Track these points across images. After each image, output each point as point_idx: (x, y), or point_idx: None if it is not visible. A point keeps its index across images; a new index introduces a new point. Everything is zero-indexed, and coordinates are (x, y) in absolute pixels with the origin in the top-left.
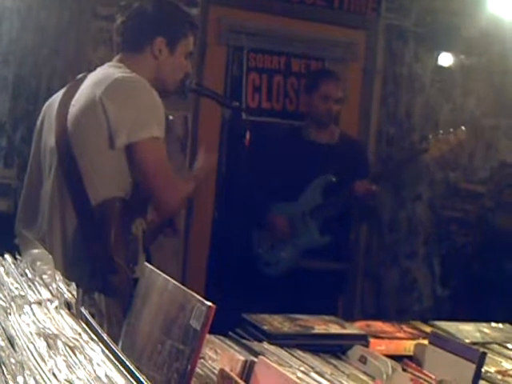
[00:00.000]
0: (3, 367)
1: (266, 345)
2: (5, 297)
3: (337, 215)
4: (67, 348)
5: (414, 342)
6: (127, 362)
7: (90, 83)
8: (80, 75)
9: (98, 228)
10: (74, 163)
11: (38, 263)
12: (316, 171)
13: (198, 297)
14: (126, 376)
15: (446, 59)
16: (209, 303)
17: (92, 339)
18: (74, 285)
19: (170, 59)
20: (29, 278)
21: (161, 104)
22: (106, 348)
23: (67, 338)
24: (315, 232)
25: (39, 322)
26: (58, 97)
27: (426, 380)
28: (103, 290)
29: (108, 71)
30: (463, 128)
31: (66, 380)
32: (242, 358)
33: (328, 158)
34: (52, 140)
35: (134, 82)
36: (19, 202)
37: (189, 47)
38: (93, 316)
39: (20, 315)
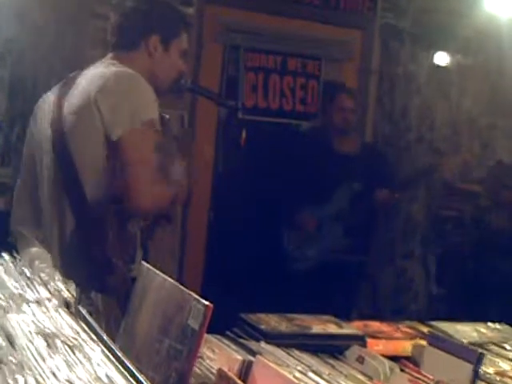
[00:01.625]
0: (3, 366)
1: (263, 344)
2: (3, 295)
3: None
4: (66, 347)
5: (412, 343)
6: (126, 362)
7: (84, 82)
8: (73, 73)
9: (94, 227)
10: (70, 162)
11: (37, 262)
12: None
13: (196, 296)
14: (125, 375)
15: (442, 58)
16: (207, 302)
17: (91, 338)
18: (72, 283)
19: (165, 57)
20: (27, 277)
21: (155, 98)
22: (105, 347)
23: (66, 337)
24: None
25: (38, 321)
26: (50, 96)
27: (423, 380)
28: (100, 290)
29: (101, 69)
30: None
31: (65, 379)
32: (239, 357)
33: (350, 166)
34: (47, 139)
35: (127, 77)
36: (13, 201)
37: (183, 45)
38: (90, 315)
39: (19, 314)
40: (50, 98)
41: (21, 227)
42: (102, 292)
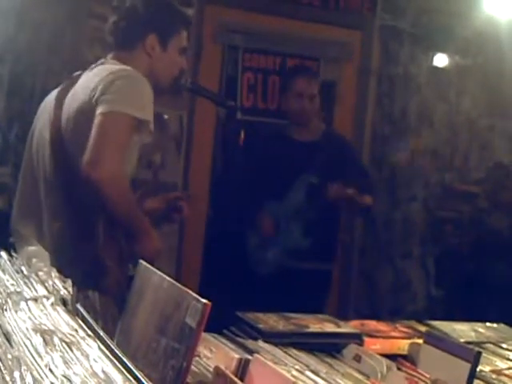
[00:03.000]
0: (0, 363)
1: (260, 343)
2: (1, 293)
3: (323, 216)
4: (63, 344)
5: (409, 341)
6: (124, 358)
7: (85, 84)
8: (75, 73)
9: (88, 226)
10: (68, 162)
11: (34, 260)
12: (299, 170)
13: (194, 294)
14: (122, 372)
15: (441, 59)
16: (204, 300)
17: (88, 335)
18: (69, 281)
19: (163, 55)
20: (25, 275)
21: (152, 100)
22: (103, 344)
23: (63, 333)
24: (298, 234)
25: (35, 318)
26: (52, 96)
27: (420, 379)
28: (97, 288)
29: (102, 68)
30: None
31: (63, 376)
32: (236, 356)
33: (310, 156)
34: (46, 139)
35: (128, 75)
36: (14, 200)
37: (182, 42)
38: (88, 313)
39: (16, 311)
40: (51, 98)
41: (20, 226)
42: (99, 290)
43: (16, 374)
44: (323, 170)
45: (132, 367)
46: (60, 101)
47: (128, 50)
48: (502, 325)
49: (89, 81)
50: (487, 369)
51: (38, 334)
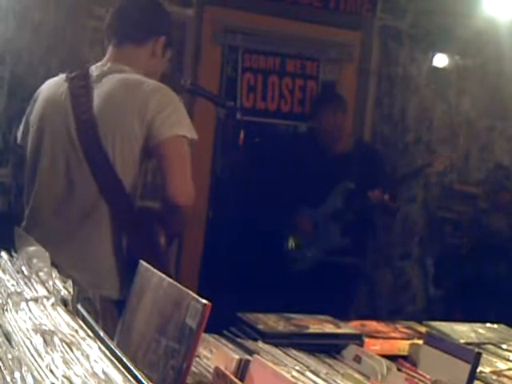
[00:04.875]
0: (0, 363)
1: (260, 344)
2: (1, 294)
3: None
4: (64, 344)
5: (409, 342)
6: (124, 359)
7: (115, 87)
8: (81, 70)
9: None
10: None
11: (35, 260)
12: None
13: (194, 295)
14: (122, 372)
15: (441, 60)
16: (204, 301)
17: (88, 336)
18: (70, 282)
19: (161, 60)
20: (25, 275)
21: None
22: (103, 344)
23: (64, 334)
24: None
25: (36, 318)
26: (59, 86)
27: (420, 380)
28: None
29: (135, 77)
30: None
31: (63, 376)
32: (236, 356)
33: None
34: (64, 140)
35: (171, 93)
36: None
37: (170, 54)
38: (88, 313)
39: (17, 312)
40: (61, 90)
41: (21, 227)
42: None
43: (16, 375)
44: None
45: (132, 368)
46: (80, 100)
47: (136, 45)
48: (502, 325)
49: (127, 93)
50: (487, 370)
51: (39, 335)
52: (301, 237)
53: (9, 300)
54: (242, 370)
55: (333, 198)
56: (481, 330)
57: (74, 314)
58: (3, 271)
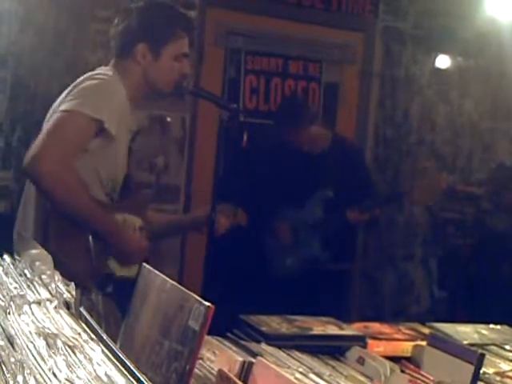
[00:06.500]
0: (3, 366)
1: (263, 346)
2: (4, 297)
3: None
4: (67, 347)
5: (412, 344)
6: (127, 362)
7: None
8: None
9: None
10: None
11: (37, 263)
12: (311, 177)
13: (197, 297)
14: (125, 375)
15: (443, 61)
16: (208, 303)
17: (91, 339)
18: (72, 285)
19: (155, 63)
20: (28, 278)
21: (124, 103)
22: (106, 348)
23: (67, 337)
24: (317, 246)
25: (38, 321)
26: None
27: (424, 381)
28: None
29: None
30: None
31: (66, 379)
32: (240, 358)
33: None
34: None
35: (93, 79)
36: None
37: (179, 48)
38: (91, 316)
39: (19, 315)
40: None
41: (24, 230)
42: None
43: (19, 378)
44: (334, 179)
45: (135, 370)
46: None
47: (122, 58)
48: (506, 326)
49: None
50: (491, 371)
51: (41, 338)
52: (301, 236)
53: (11, 303)
54: (246, 372)
55: (313, 204)
56: (484, 331)
57: (77, 316)
58: (6, 274)
